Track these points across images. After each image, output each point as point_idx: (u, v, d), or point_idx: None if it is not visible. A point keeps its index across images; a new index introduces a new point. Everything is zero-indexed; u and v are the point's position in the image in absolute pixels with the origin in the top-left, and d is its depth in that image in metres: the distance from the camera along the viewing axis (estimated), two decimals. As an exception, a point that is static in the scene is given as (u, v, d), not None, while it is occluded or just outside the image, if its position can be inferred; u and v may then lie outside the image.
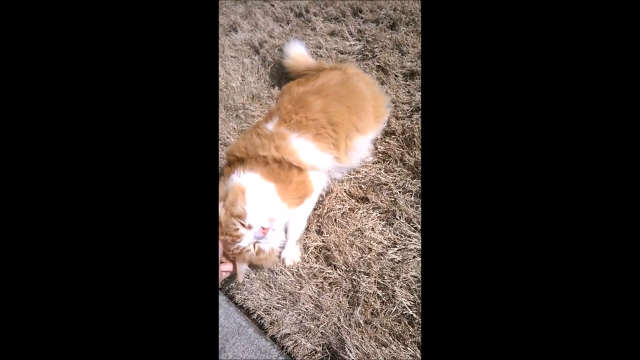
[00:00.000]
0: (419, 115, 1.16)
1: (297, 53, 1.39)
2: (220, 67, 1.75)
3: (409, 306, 0.84)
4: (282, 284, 0.96)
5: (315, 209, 1.09)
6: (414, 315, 0.83)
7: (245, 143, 0.99)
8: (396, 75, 1.32)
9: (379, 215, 1.04)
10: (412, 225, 0.98)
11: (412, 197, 1.03)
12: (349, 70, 1.17)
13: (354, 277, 0.92)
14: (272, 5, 1.97)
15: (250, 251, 0.88)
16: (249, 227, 0.88)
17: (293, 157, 0.96)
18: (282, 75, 1.59)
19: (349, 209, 1.07)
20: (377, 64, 1.39)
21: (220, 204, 0.89)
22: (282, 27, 1.82)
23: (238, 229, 0.87)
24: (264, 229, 0.87)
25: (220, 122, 1.47)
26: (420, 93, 1.21)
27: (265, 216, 0.90)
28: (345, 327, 0.85)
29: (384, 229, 1.01)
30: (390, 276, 0.89)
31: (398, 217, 1.01)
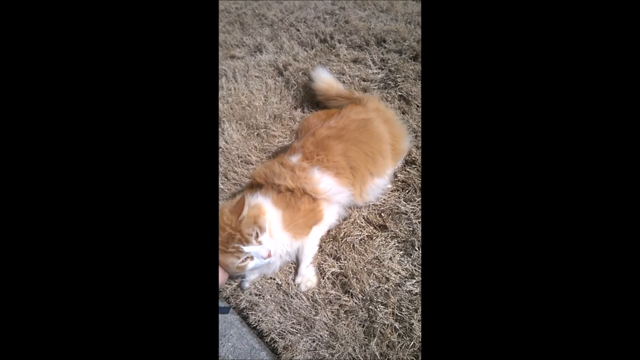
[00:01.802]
0: (441, 146, 1.17)
1: (329, 78, 1.43)
2: (244, 86, 1.79)
3: (426, 341, 0.82)
4: (297, 308, 0.95)
5: (329, 231, 1.10)
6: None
7: (266, 170, 1.04)
8: (418, 106, 1.34)
9: (397, 244, 1.04)
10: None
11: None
12: (369, 105, 1.20)
13: (370, 306, 0.91)
14: (298, 30, 2.04)
15: (240, 259, 0.91)
16: (259, 243, 0.92)
17: (310, 186, 1.00)
18: (305, 98, 1.62)
19: (367, 235, 1.07)
20: (400, 93, 1.42)
21: (226, 208, 0.94)
22: (307, 51, 1.87)
23: (251, 235, 0.90)
24: (269, 253, 0.92)
25: (241, 139, 1.50)
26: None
27: (272, 245, 0.95)
28: (361, 358, 0.84)
29: (402, 259, 1.00)
30: (409, 309, 0.88)
31: (417, 248, 1.00)
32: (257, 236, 0.92)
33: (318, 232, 1.06)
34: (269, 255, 0.93)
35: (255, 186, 1.06)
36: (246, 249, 0.90)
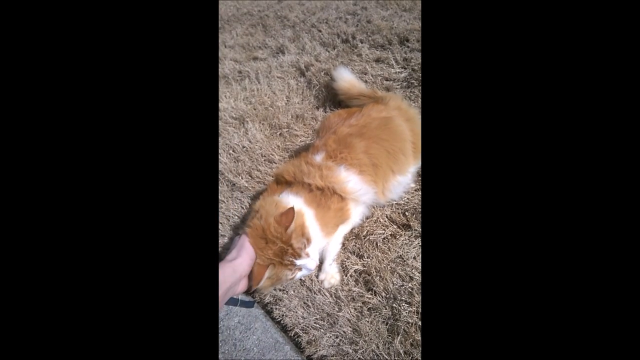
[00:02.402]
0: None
1: (351, 78, 1.44)
2: (267, 87, 1.82)
3: (451, 340, 0.82)
4: (321, 304, 0.96)
5: (352, 229, 1.10)
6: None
7: (294, 169, 1.04)
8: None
9: (421, 243, 1.03)
10: (455, 257, 0.96)
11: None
12: (391, 104, 1.20)
13: (394, 304, 0.91)
14: (320, 31, 2.06)
15: (292, 271, 0.90)
16: (307, 255, 0.91)
17: (338, 185, 1.00)
18: (326, 98, 1.64)
19: (391, 234, 1.07)
20: (423, 92, 1.41)
21: (270, 217, 0.92)
22: (329, 51, 1.88)
23: (302, 249, 0.90)
24: (317, 265, 0.93)
25: (264, 138, 1.52)
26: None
27: (317, 254, 0.95)
28: (384, 355, 0.84)
29: (426, 257, 1.00)
30: (433, 307, 0.88)
31: (441, 247, 0.99)
32: (304, 247, 0.92)
33: (343, 230, 1.07)
34: (316, 267, 0.94)
35: (281, 183, 1.06)
36: (298, 262, 0.90)
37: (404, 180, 1.13)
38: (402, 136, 1.12)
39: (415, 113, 1.23)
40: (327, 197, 1.01)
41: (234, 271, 0.82)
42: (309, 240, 0.93)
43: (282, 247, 0.88)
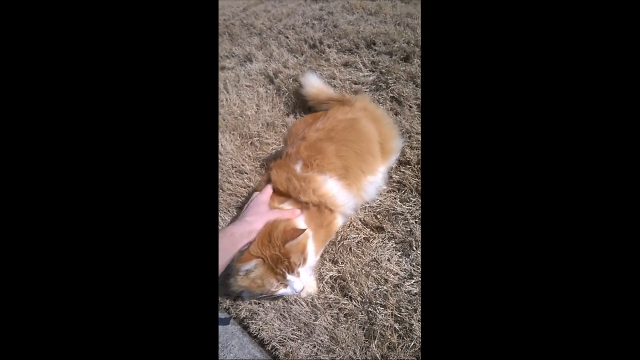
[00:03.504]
0: (434, 145, 1.17)
1: (319, 83, 1.44)
2: (236, 96, 1.80)
3: (428, 341, 0.82)
4: (297, 314, 0.94)
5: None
6: (434, 351, 0.81)
7: (287, 184, 1.00)
8: (411, 107, 1.35)
9: (395, 245, 1.04)
10: (428, 257, 0.97)
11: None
12: (357, 105, 1.19)
13: (370, 309, 0.90)
14: (287, 38, 2.05)
15: (278, 283, 0.90)
16: (297, 275, 0.90)
17: (329, 200, 0.99)
18: (296, 104, 1.63)
19: (365, 238, 1.07)
20: (392, 95, 1.42)
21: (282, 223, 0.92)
22: (297, 58, 1.88)
23: (297, 265, 0.89)
24: (303, 288, 0.92)
25: (235, 149, 1.50)
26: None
27: (307, 278, 0.95)
28: (362, 361, 0.83)
29: (401, 260, 1.00)
30: (408, 309, 0.88)
31: (415, 249, 1.00)
32: (299, 266, 0.91)
33: (326, 244, 1.07)
34: (301, 290, 0.92)
35: (279, 192, 1.03)
36: (289, 277, 0.88)
37: (375, 180, 1.12)
38: (368, 137, 1.12)
39: (382, 114, 1.23)
40: (322, 214, 1.00)
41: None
42: (305, 261, 0.92)
43: (279, 257, 0.87)
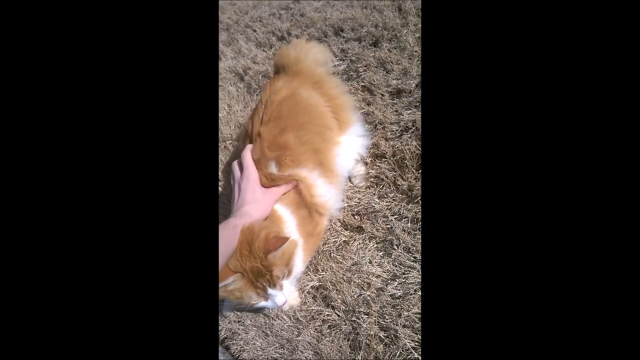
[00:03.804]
0: (409, 135, 1.12)
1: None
2: (205, 98, 1.72)
3: (413, 348, 0.78)
4: (279, 330, 0.90)
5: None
6: (419, 358, 0.77)
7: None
8: (382, 95, 1.28)
9: (376, 245, 0.99)
10: (411, 255, 0.92)
11: (409, 224, 0.98)
12: (289, 72, 1.04)
13: (353, 318, 0.86)
14: (254, 31, 1.96)
15: (258, 296, 0.82)
16: (280, 288, 0.82)
17: (321, 203, 0.91)
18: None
19: (344, 241, 1.02)
20: (362, 84, 1.35)
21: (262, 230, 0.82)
22: (265, 51, 1.80)
23: (280, 278, 0.81)
24: (284, 303, 0.84)
25: (207, 156, 1.43)
26: (407, 112, 1.17)
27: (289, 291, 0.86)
28: (348, 375, 0.80)
29: (382, 260, 0.96)
30: (392, 315, 0.84)
31: (396, 247, 0.95)
32: (282, 278, 0.82)
33: (315, 251, 0.99)
34: (283, 304, 0.84)
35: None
36: (270, 291, 0.80)
37: (341, 149, 1.01)
38: (316, 109, 0.98)
39: (322, 72, 1.07)
40: (312, 219, 0.91)
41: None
42: (289, 273, 0.83)
43: (260, 270, 0.78)
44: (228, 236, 0.78)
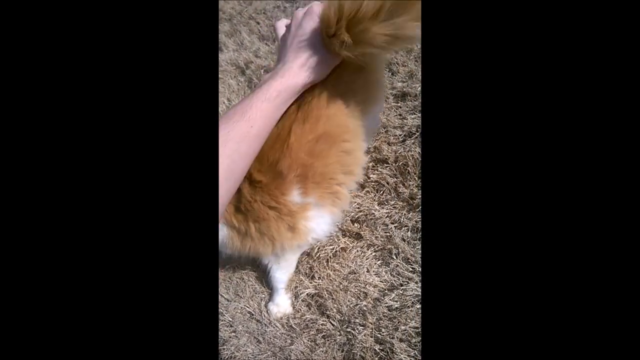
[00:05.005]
0: (412, 141, 1.09)
1: None
2: (205, 90, 1.68)
3: (409, 363, 0.76)
4: (272, 337, 0.88)
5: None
6: (416, 373, 0.75)
7: None
8: (386, 97, 1.25)
9: (374, 253, 0.97)
10: (410, 266, 0.90)
11: (409, 233, 0.96)
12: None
13: (349, 328, 0.84)
14: (258, 23, 1.91)
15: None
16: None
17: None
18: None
19: (342, 248, 0.99)
20: (367, 84, 1.32)
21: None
22: (268, 45, 1.75)
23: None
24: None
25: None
26: (412, 116, 1.14)
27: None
28: (341, 388, 0.78)
29: (380, 269, 0.94)
30: (388, 327, 0.82)
31: (395, 257, 0.93)
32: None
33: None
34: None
35: None
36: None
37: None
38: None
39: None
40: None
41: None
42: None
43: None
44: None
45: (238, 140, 0.52)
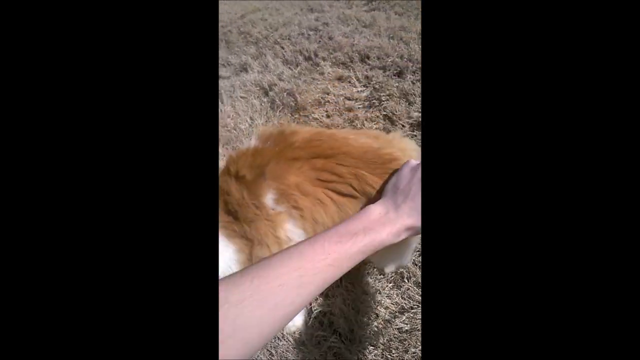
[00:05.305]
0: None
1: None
2: (230, 107, 1.77)
3: (417, 385, 0.79)
4: (284, 351, 0.91)
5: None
6: (423, 396, 0.77)
7: None
8: (403, 126, 1.31)
9: (386, 276, 1.00)
10: (420, 290, 0.93)
11: (420, 257, 0.99)
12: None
13: (359, 348, 0.87)
14: (282, 48, 2.01)
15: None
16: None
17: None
18: (290, 120, 1.60)
19: (355, 268, 1.03)
20: (384, 112, 1.39)
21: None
22: (292, 69, 1.84)
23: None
24: None
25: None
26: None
27: None
28: (350, 406, 0.80)
29: (392, 291, 0.97)
30: (399, 349, 0.85)
31: (406, 280, 0.97)
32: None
33: None
34: None
35: None
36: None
37: None
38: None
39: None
40: None
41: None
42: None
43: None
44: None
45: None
